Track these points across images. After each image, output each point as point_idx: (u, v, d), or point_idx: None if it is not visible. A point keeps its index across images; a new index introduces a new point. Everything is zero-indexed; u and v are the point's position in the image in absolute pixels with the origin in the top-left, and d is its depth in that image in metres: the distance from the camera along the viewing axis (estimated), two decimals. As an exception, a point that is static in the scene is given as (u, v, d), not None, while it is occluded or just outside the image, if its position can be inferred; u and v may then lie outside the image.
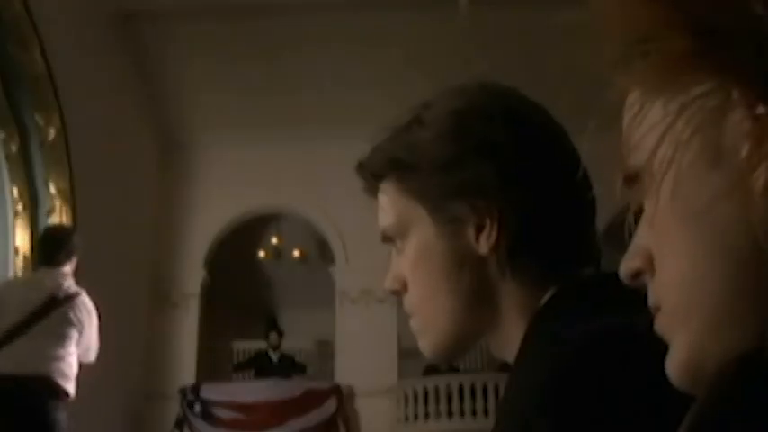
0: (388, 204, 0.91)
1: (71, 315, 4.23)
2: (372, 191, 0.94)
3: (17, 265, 8.09)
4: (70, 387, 4.29)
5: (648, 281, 0.48)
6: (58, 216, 8.41)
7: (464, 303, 0.86)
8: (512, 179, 0.85)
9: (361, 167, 0.94)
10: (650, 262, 0.48)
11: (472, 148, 0.85)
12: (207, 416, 10.34)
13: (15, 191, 8.13)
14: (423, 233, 0.88)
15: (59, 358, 4.19)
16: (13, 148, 8.05)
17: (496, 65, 9.49)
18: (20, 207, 8.17)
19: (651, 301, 0.48)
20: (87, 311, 4.35)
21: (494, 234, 0.85)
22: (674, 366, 0.46)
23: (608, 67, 0.46)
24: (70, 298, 4.26)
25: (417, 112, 0.91)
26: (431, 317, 0.89)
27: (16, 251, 8.13)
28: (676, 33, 0.42)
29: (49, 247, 4.35)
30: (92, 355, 4.48)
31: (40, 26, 7.95)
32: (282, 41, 9.86)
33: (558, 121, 0.91)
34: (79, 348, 4.33)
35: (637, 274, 0.49)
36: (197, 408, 10.35)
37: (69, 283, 4.32)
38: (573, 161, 0.88)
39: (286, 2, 9.60)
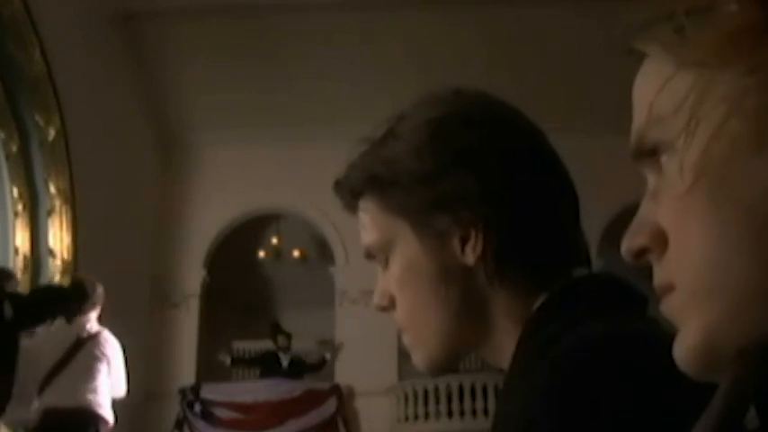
0: (370, 221, 0.89)
1: (96, 351, 4.87)
2: (352, 208, 0.92)
3: (17, 265, 8.09)
4: (107, 414, 4.88)
5: (654, 260, 0.46)
6: (58, 216, 8.42)
7: (454, 317, 0.85)
8: (493, 187, 0.83)
9: (339, 186, 0.92)
10: (658, 239, 0.45)
11: (450, 159, 0.84)
12: (207, 416, 10.34)
13: (15, 191, 8.13)
14: (407, 249, 0.86)
15: (93, 390, 4.82)
16: (13, 148, 8.05)
17: (495, 63, 9.43)
18: (20, 207, 8.17)
19: (662, 279, 0.46)
20: (111, 345, 4.97)
21: (479, 244, 0.83)
22: (686, 349, 0.44)
23: (655, 38, 0.44)
24: (93, 336, 4.90)
25: (392, 125, 0.89)
26: (422, 333, 0.87)
27: (16, 251, 8.14)
28: (745, 3, 0.41)
29: (77, 297, 4.97)
30: (122, 390, 5.09)
31: (40, 26, 7.95)
32: (282, 41, 9.87)
33: (534, 123, 0.89)
34: (110, 380, 4.93)
35: (642, 252, 0.47)
36: (197, 408, 10.35)
37: (92, 325, 4.95)
38: (553, 163, 0.87)
39: (286, 2, 9.60)
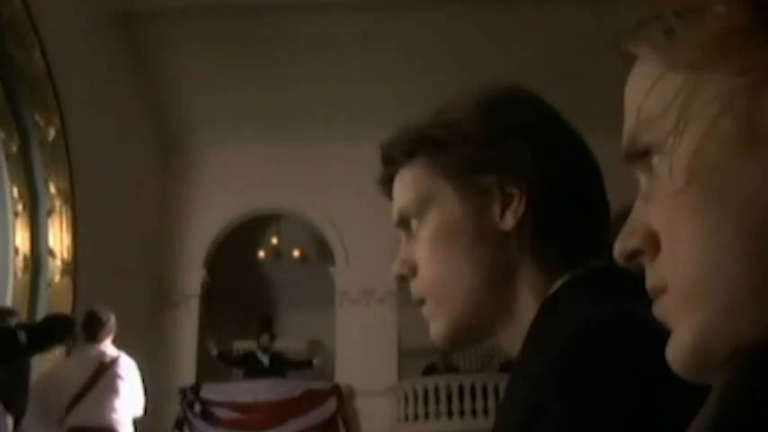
0: (411, 181, 0.90)
1: (119, 373, 5.33)
2: (388, 178, 0.94)
3: (17, 265, 8.09)
4: (127, 431, 5.35)
5: (647, 262, 0.46)
6: (58, 216, 8.42)
7: (484, 281, 0.86)
8: (541, 158, 0.85)
9: (389, 146, 0.93)
10: (651, 241, 0.45)
11: (504, 128, 0.86)
12: (207, 416, 10.34)
13: (15, 191, 8.12)
14: (446, 208, 0.88)
15: (115, 410, 5.26)
16: (13, 148, 8.04)
17: (496, 62, 9.41)
18: (20, 207, 8.16)
19: (654, 281, 0.46)
20: (131, 368, 5.41)
21: (521, 208, 0.85)
22: (678, 351, 0.44)
23: (645, 40, 0.44)
24: (115, 360, 5.36)
25: (443, 107, 0.91)
26: (448, 295, 0.87)
27: (16, 251, 8.14)
28: (734, 4, 0.41)
29: (92, 326, 5.40)
30: (140, 409, 5.51)
31: (40, 26, 7.94)
32: (282, 41, 9.86)
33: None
34: (132, 400, 5.37)
35: (634, 254, 0.47)
36: (197, 408, 10.35)
37: (110, 350, 5.39)
38: (591, 157, 0.90)
39: (286, 2, 9.60)
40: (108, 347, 5.38)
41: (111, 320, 5.45)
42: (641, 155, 0.46)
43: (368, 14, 9.54)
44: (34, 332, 5.17)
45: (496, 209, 0.85)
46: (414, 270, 0.90)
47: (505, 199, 0.85)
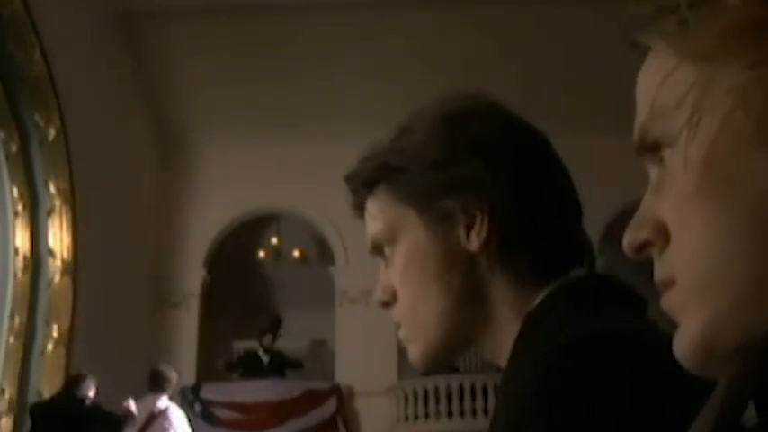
0: (378, 211, 0.91)
1: (165, 424, 6.16)
2: (360, 205, 0.94)
3: (17, 265, 8.09)
4: None
5: (656, 254, 0.46)
6: (58, 216, 8.42)
7: (455, 304, 0.85)
8: (501, 175, 0.84)
9: (352, 177, 0.93)
10: (661, 233, 0.45)
11: (461, 147, 0.85)
12: (207, 416, 10.34)
13: (15, 191, 8.13)
14: (412, 235, 0.87)
15: None
16: (13, 148, 8.05)
17: (496, 63, 9.41)
18: (20, 207, 8.17)
19: (663, 274, 0.45)
20: (177, 418, 6.28)
21: (484, 229, 0.84)
22: (685, 343, 0.44)
23: (659, 31, 0.44)
24: (163, 412, 6.23)
25: (404, 124, 0.91)
26: (421, 320, 0.87)
27: (16, 251, 8.14)
28: None
29: (158, 378, 6.34)
30: None
31: (40, 26, 7.95)
32: (282, 41, 9.87)
33: (539, 128, 0.91)
34: None
35: (643, 246, 0.46)
36: (197, 408, 10.34)
37: (163, 401, 6.26)
38: (559, 166, 0.89)
39: (286, 1, 9.60)
40: (160, 400, 6.23)
41: (173, 376, 6.44)
42: (652, 147, 0.46)
43: (368, 14, 9.54)
44: (99, 409, 5.84)
45: (461, 231, 0.85)
46: (394, 296, 0.90)
47: (469, 220, 0.85)
